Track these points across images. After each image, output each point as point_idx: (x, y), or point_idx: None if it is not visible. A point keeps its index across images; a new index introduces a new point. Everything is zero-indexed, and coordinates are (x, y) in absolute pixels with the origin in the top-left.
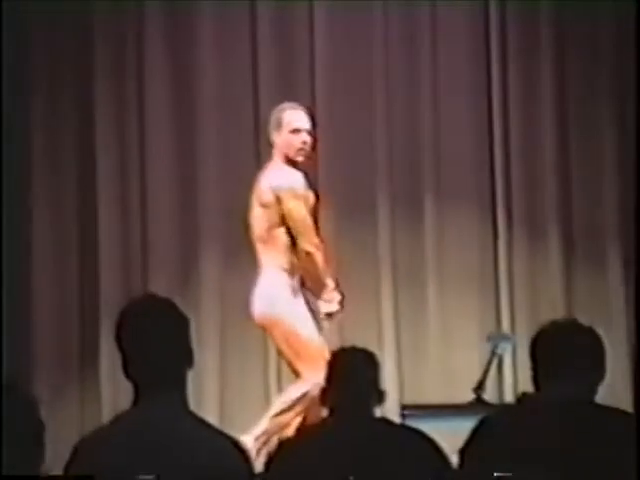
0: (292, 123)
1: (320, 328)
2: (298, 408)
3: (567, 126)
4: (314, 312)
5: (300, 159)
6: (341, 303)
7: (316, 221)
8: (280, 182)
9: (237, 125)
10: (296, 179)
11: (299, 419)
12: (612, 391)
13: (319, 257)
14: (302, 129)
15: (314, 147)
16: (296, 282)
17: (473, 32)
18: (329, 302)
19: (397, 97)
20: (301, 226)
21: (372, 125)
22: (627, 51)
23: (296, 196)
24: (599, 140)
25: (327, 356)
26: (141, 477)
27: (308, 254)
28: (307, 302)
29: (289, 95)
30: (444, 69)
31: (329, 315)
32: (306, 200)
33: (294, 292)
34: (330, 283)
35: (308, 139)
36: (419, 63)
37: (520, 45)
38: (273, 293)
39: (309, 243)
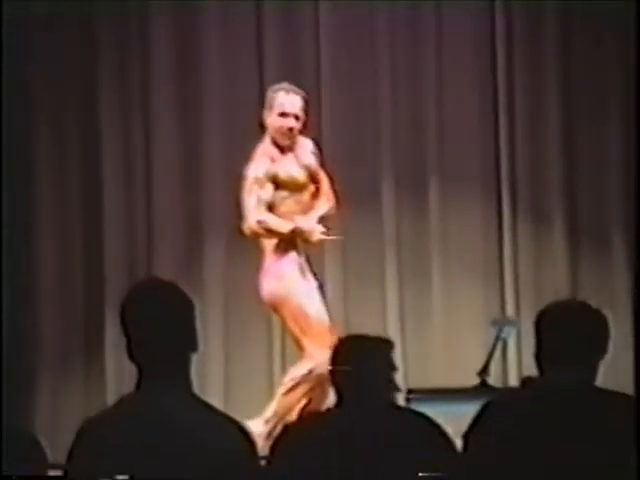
0: (281, 106)
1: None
2: (305, 386)
3: (572, 111)
4: (322, 289)
5: (286, 143)
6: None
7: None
8: (245, 171)
9: (242, 120)
10: (256, 167)
11: (304, 401)
12: (615, 374)
13: (265, 231)
14: (290, 113)
15: (302, 131)
16: (304, 259)
17: (478, 18)
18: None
19: (401, 83)
20: (242, 209)
21: (376, 113)
22: (632, 47)
23: (256, 181)
24: (605, 125)
25: (332, 334)
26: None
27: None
28: (315, 279)
29: (294, 83)
30: (449, 52)
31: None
32: (285, 184)
33: (302, 269)
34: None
35: (295, 125)
36: (424, 49)
37: (525, 30)
38: (281, 271)
39: (246, 227)
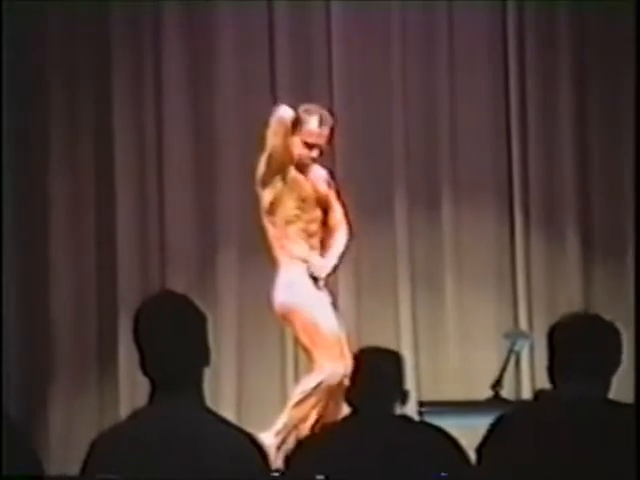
0: (310, 135)
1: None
2: (315, 397)
3: (586, 123)
4: (335, 305)
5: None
6: (331, 273)
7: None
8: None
9: (255, 126)
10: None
11: (315, 413)
12: (628, 386)
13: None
14: (316, 145)
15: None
16: None
17: (490, 29)
18: (320, 266)
19: (414, 96)
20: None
21: (389, 126)
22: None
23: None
24: (618, 137)
25: (344, 346)
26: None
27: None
28: (329, 293)
29: (307, 94)
30: (461, 66)
31: (314, 278)
32: (297, 190)
33: (315, 282)
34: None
35: (316, 155)
36: (436, 61)
37: (538, 42)
38: (294, 282)
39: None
